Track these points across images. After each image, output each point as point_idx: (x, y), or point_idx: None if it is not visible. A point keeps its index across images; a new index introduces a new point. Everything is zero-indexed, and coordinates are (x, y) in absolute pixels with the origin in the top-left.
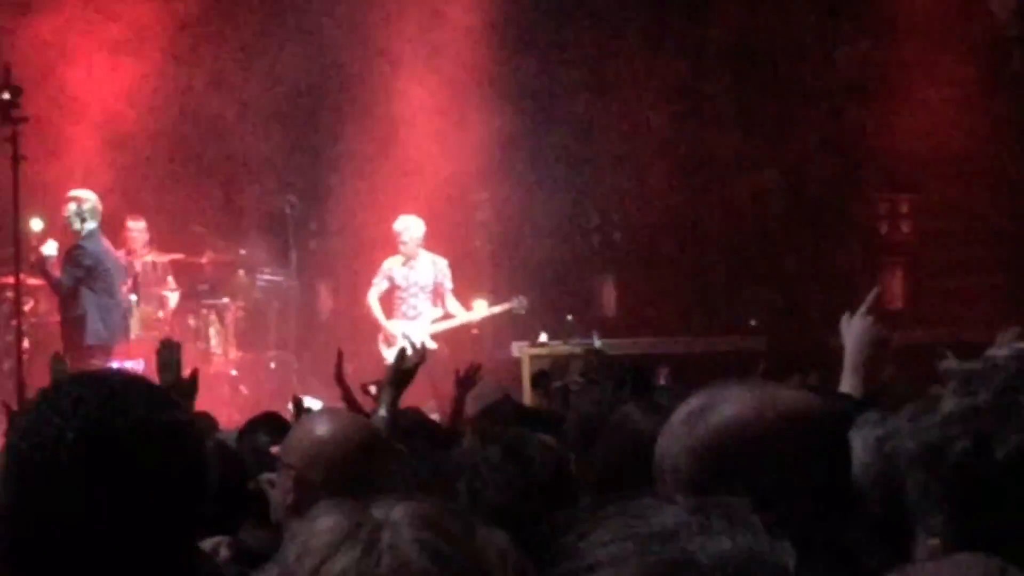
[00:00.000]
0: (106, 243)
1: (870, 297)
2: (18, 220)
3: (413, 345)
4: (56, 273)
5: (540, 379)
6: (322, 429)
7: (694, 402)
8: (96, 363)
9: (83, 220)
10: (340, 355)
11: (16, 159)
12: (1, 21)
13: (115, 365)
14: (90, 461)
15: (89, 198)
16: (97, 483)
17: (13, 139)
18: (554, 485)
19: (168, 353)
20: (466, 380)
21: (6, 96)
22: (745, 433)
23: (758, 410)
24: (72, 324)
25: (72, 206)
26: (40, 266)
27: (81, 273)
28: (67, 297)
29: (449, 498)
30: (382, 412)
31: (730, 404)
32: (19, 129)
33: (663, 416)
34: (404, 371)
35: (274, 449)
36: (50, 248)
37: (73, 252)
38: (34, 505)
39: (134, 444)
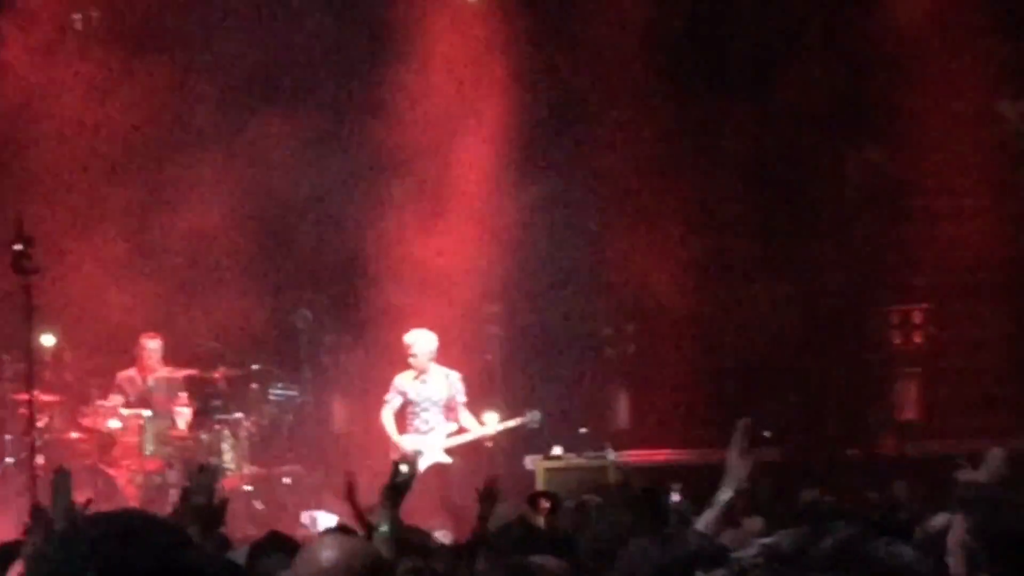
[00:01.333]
0: None
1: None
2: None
3: (405, 459)
4: None
5: (535, 499)
6: (327, 556)
7: None
8: None
9: None
10: (349, 475)
11: (30, 309)
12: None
13: None
14: None
15: None
16: None
17: (27, 291)
18: None
19: (203, 477)
20: (489, 494)
21: (19, 247)
22: None
23: None
24: None
25: None
26: None
27: None
28: None
29: None
30: (383, 528)
31: None
32: (31, 280)
33: (677, 550)
34: (398, 485)
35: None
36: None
37: None
38: None
39: None
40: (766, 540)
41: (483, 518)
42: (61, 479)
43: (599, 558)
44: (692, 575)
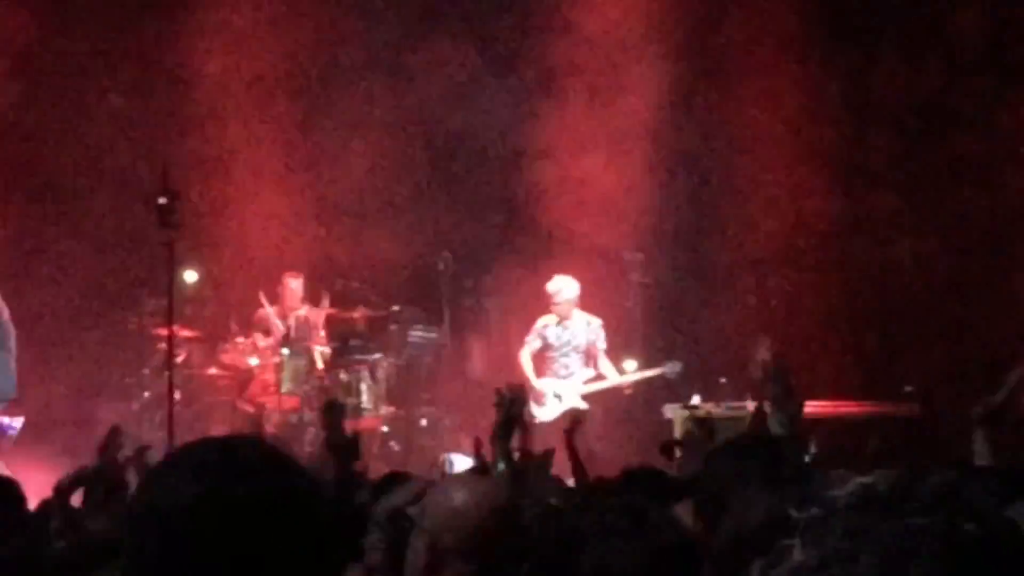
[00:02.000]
0: None
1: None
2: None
3: (510, 388)
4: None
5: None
6: (458, 497)
7: None
8: None
9: None
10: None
11: (172, 264)
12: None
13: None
14: (206, 528)
15: None
16: (213, 551)
17: (170, 245)
18: (679, 555)
19: (333, 413)
20: (570, 430)
21: (163, 201)
22: None
23: None
24: None
25: None
26: None
27: None
28: None
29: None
30: (501, 466)
31: None
32: (175, 234)
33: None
34: (507, 421)
35: (410, 510)
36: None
37: None
38: (151, 570)
39: (253, 512)
40: (863, 479)
41: (572, 453)
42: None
43: (714, 504)
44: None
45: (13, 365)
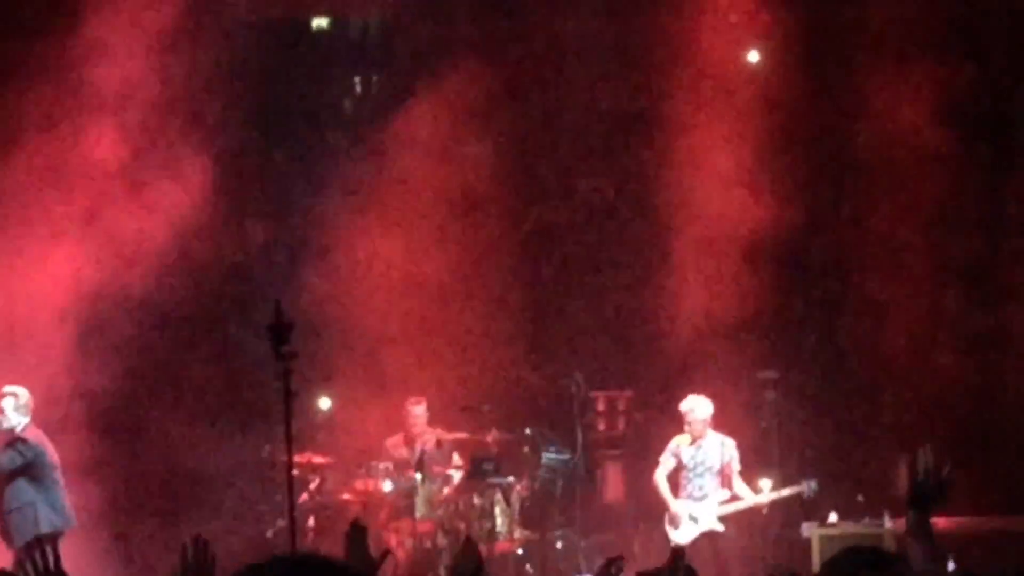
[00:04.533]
0: (41, 434)
1: None
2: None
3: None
4: None
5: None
6: None
7: None
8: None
9: (20, 414)
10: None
11: (287, 396)
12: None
13: None
14: None
15: (23, 393)
16: None
17: (285, 375)
18: None
19: (355, 535)
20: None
21: (276, 331)
22: None
23: None
24: (20, 514)
25: (10, 400)
26: None
27: (23, 463)
28: (9, 488)
29: None
30: None
31: None
32: (291, 365)
33: None
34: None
35: None
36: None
37: (16, 444)
38: None
39: None
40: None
41: None
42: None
43: None
44: None
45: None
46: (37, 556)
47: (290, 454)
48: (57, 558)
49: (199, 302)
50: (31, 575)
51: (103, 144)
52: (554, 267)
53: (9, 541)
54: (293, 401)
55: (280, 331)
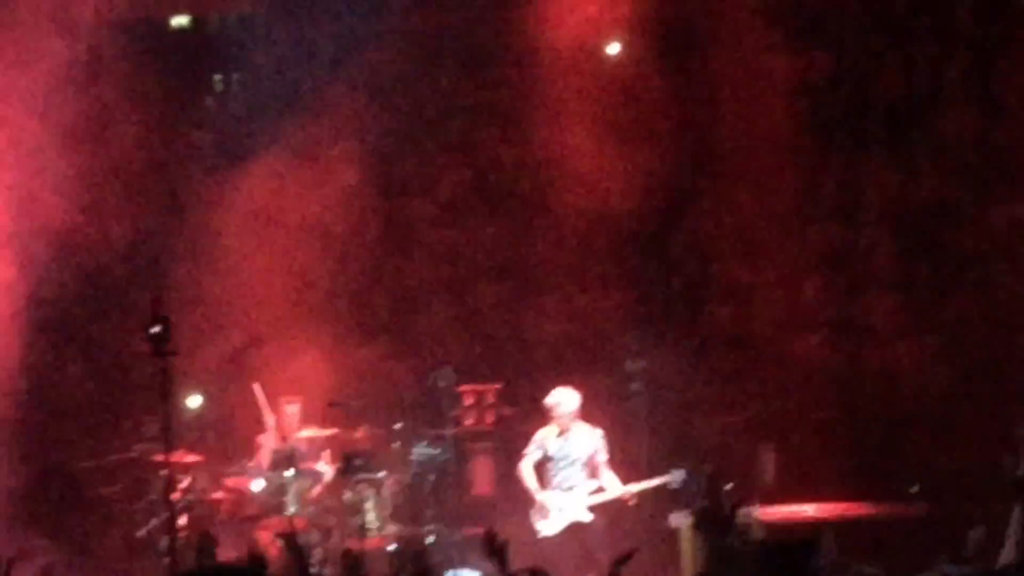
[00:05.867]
0: None
1: None
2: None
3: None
4: None
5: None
6: None
7: None
8: None
9: None
10: (491, 533)
11: (165, 394)
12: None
13: None
14: None
15: None
16: None
17: (163, 372)
18: None
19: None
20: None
21: (156, 329)
22: None
23: None
24: None
25: None
26: None
27: None
28: None
29: None
30: None
31: None
32: (170, 362)
33: None
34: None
35: None
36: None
37: None
38: None
39: None
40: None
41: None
42: (204, 540)
43: None
44: None
45: None
46: None
47: (168, 452)
48: None
49: (67, 299)
50: None
51: None
52: (417, 261)
53: None
54: (170, 399)
55: (159, 328)
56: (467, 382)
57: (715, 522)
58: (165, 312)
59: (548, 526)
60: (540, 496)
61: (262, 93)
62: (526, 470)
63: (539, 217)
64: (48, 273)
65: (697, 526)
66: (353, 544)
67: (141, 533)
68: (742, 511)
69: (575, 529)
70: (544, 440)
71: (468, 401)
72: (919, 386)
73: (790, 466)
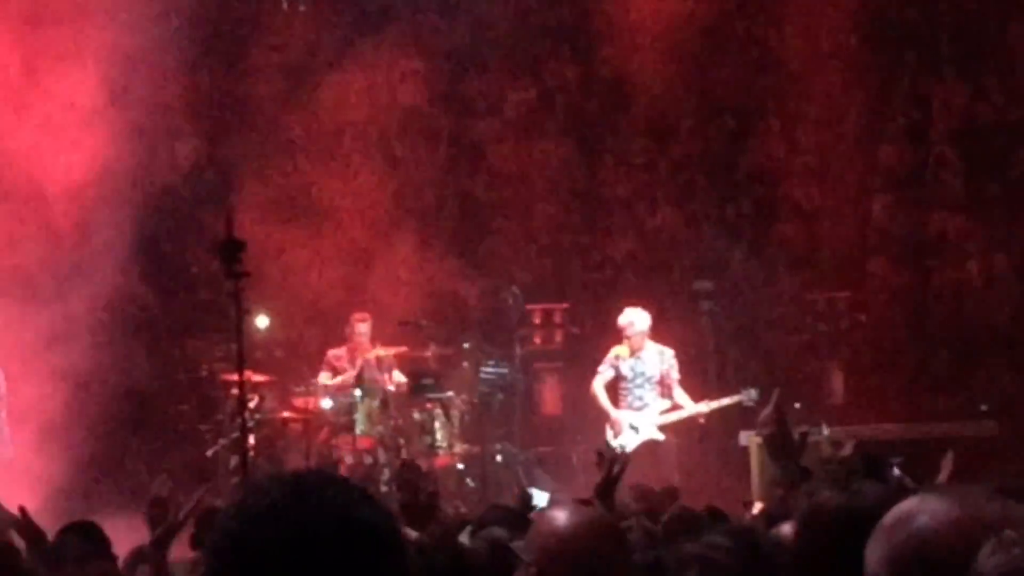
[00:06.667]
0: None
1: None
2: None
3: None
4: None
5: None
6: (563, 525)
7: (902, 507)
8: None
9: None
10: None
11: (237, 315)
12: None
13: None
14: (286, 563)
15: None
16: None
17: (236, 294)
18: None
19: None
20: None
21: (227, 249)
22: (940, 549)
23: (956, 524)
24: None
25: None
26: None
27: None
28: None
29: None
30: None
31: (928, 515)
32: (241, 284)
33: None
34: (610, 480)
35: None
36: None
37: None
38: None
39: (331, 544)
40: None
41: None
42: (160, 482)
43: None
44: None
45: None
46: None
47: (241, 373)
48: None
49: (135, 222)
50: None
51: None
52: (484, 181)
53: None
54: (244, 320)
55: (231, 250)
56: (535, 302)
57: (784, 444)
58: (235, 232)
59: (619, 443)
60: (613, 414)
61: (329, 11)
62: (598, 388)
63: (606, 137)
64: (120, 193)
65: (766, 446)
66: (422, 463)
67: (210, 452)
68: (812, 430)
69: (649, 447)
70: (616, 359)
71: (536, 320)
72: (988, 305)
73: (858, 386)
